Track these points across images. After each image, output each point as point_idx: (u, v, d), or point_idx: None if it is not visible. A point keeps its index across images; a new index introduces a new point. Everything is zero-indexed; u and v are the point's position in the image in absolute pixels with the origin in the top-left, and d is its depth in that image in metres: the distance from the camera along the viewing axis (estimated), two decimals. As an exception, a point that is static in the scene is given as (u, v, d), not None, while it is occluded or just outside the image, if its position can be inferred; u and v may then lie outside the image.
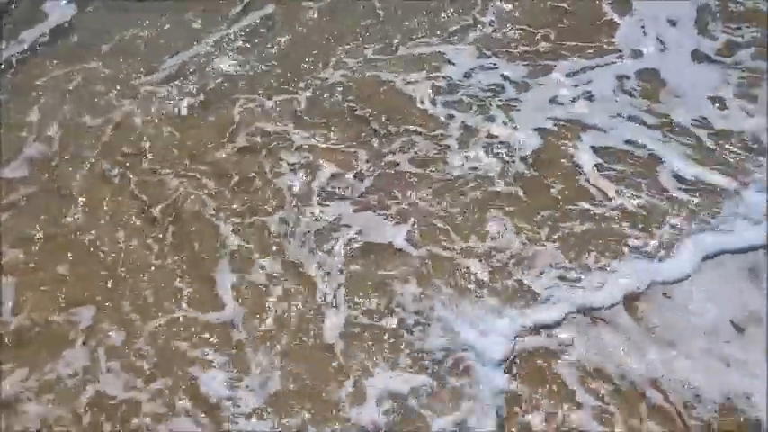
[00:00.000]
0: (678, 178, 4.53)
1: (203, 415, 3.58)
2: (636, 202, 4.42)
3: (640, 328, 3.95)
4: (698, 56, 5.16)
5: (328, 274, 4.09)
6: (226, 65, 5.23)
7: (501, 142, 4.73)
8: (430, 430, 3.59)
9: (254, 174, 4.56)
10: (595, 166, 4.60)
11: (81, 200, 4.43)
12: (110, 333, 3.85)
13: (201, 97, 5.00)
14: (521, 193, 4.48)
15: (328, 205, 4.42)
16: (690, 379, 3.80)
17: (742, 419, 3.69)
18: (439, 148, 4.70)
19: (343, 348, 3.83)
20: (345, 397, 3.66)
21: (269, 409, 3.63)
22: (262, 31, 5.50)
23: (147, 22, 5.55)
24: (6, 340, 3.80)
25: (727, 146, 4.67)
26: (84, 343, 3.81)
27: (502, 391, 3.73)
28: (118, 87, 5.10)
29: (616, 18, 5.39)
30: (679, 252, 4.18)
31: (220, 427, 3.55)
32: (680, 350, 3.88)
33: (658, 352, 3.87)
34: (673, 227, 4.27)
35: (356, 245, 4.24)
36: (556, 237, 4.26)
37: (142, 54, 5.34)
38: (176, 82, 5.11)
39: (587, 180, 4.55)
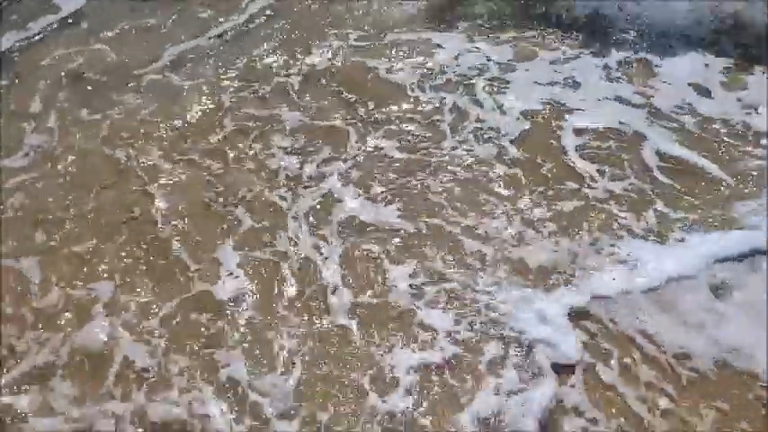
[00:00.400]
0: (661, 159, 4.62)
1: (228, 396, 3.56)
2: (622, 184, 4.49)
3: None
4: (686, 43, 5.29)
5: (326, 257, 4.11)
6: (226, 53, 5.39)
7: (490, 127, 4.83)
8: (464, 403, 3.55)
9: (246, 156, 4.65)
10: (581, 148, 4.69)
11: (85, 184, 4.50)
12: (129, 308, 3.87)
13: (199, 81, 5.15)
14: (512, 175, 4.54)
15: (321, 187, 4.48)
16: (681, 333, 3.79)
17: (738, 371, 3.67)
18: (429, 132, 4.80)
19: (356, 328, 3.81)
20: (370, 379, 3.62)
21: (295, 393, 3.57)
22: (262, 19, 5.69)
23: (156, 11, 5.73)
24: (38, 316, 3.83)
25: (716, 132, 4.76)
26: (106, 316, 3.82)
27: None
28: (120, 74, 5.23)
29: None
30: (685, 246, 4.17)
31: (243, 407, 3.52)
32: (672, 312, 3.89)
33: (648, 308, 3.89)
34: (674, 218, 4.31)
35: (352, 224, 4.28)
36: (549, 216, 4.30)
37: (148, 42, 5.50)
38: (177, 69, 5.26)
39: (574, 163, 4.62)
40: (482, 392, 3.55)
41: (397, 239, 4.19)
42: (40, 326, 3.79)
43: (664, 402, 3.53)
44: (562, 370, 3.62)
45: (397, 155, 4.65)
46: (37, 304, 3.88)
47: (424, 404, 3.52)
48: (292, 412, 3.46)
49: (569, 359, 3.66)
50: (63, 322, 3.80)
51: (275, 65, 5.28)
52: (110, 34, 5.51)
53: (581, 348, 3.68)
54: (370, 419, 3.45)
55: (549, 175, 4.53)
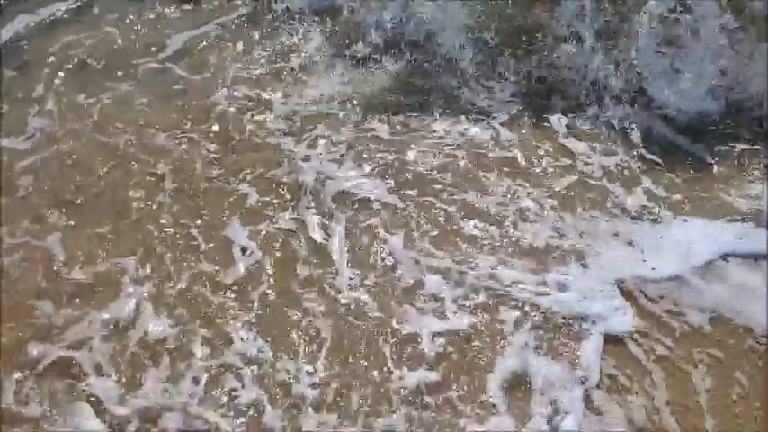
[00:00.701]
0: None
1: (248, 372, 3.57)
2: (614, 160, 4.64)
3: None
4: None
5: (330, 233, 4.19)
6: (229, 40, 5.54)
7: (480, 108, 4.98)
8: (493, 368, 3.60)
9: (245, 138, 4.76)
10: (570, 128, 4.85)
11: (90, 166, 4.55)
12: (152, 283, 3.91)
13: (205, 75, 5.26)
14: (506, 155, 4.66)
15: (318, 166, 4.57)
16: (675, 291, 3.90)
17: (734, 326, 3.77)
18: (421, 113, 4.95)
19: (370, 302, 3.86)
20: (395, 353, 3.65)
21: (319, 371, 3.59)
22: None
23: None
24: (68, 291, 3.87)
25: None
26: (132, 290, 3.87)
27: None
28: (124, 60, 5.34)
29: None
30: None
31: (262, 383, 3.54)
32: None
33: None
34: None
35: (351, 200, 4.38)
36: (546, 194, 4.42)
37: (155, 30, 5.61)
38: (180, 57, 5.39)
39: (565, 142, 4.77)
40: (508, 357, 3.61)
41: (397, 215, 4.28)
42: (76, 300, 3.83)
43: (660, 349, 3.63)
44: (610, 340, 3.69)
45: (389, 136, 4.79)
46: (68, 279, 3.93)
47: (451, 374, 3.56)
48: (320, 390, 3.49)
49: (621, 332, 3.72)
50: (95, 297, 3.85)
51: (274, 52, 5.44)
52: (119, 21, 5.64)
53: (633, 319, 3.77)
54: (398, 393, 3.48)
55: (542, 154, 4.66)
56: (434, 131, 4.82)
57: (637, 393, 3.46)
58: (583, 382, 3.47)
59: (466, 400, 3.45)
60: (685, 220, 4.26)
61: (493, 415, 3.40)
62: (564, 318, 3.74)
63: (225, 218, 4.25)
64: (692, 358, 3.59)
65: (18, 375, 3.46)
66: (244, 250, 4.08)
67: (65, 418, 3.34)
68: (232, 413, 3.39)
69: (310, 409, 3.40)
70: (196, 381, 3.50)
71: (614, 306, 3.78)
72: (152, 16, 5.71)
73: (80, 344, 3.62)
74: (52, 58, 5.33)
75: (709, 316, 3.79)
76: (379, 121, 4.87)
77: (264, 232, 4.18)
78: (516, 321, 3.73)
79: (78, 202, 4.32)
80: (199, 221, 4.24)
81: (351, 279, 3.95)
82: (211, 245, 4.11)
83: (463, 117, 4.88)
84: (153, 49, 5.45)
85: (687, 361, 3.58)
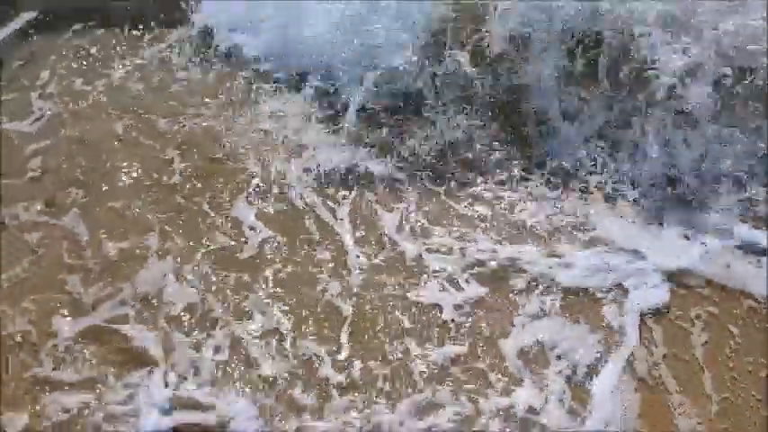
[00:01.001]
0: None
1: (270, 347, 3.66)
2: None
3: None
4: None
5: (337, 213, 4.32)
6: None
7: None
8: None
9: (241, 123, 4.86)
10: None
11: (97, 147, 4.63)
12: (173, 258, 3.99)
13: (204, 66, 5.35)
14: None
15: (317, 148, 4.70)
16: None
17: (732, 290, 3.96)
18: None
19: (383, 278, 3.98)
20: (415, 327, 3.75)
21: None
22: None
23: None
24: (97, 269, 3.93)
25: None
26: (154, 265, 3.95)
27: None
28: (125, 51, 5.43)
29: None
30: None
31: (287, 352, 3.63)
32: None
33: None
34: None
35: (354, 180, 4.52)
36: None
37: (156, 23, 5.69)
38: (182, 45, 5.48)
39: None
40: (525, 326, 3.76)
41: (401, 194, 4.43)
42: (107, 276, 3.91)
43: (658, 307, 3.86)
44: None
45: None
46: (94, 256, 4.00)
47: (471, 345, 3.67)
48: (343, 367, 3.57)
49: (653, 303, 3.88)
50: (120, 271, 3.93)
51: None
52: (124, 11, 5.68)
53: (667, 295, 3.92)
54: (421, 369, 3.58)
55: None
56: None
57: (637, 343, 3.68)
58: (618, 347, 3.67)
59: (489, 371, 3.57)
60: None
61: (516, 384, 3.53)
62: (578, 288, 3.92)
63: (232, 197, 4.36)
64: (689, 316, 3.80)
65: (51, 345, 3.57)
66: (253, 228, 4.18)
67: (111, 387, 3.46)
68: (255, 389, 3.49)
69: (334, 390, 3.48)
70: (218, 349, 3.61)
71: (645, 281, 3.97)
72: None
73: (112, 316, 3.72)
74: (59, 48, 5.40)
75: (706, 279, 3.98)
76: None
77: (272, 211, 4.30)
78: (529, 291, 3.89)
79: (92, 182, 4.39)
80: (208, 201, 4.34)
81: (358, 257, 4.06)
82: (223, 222, 4.22)
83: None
84: (154, 39, 5.54)
85: (684, 319, 3.79)
